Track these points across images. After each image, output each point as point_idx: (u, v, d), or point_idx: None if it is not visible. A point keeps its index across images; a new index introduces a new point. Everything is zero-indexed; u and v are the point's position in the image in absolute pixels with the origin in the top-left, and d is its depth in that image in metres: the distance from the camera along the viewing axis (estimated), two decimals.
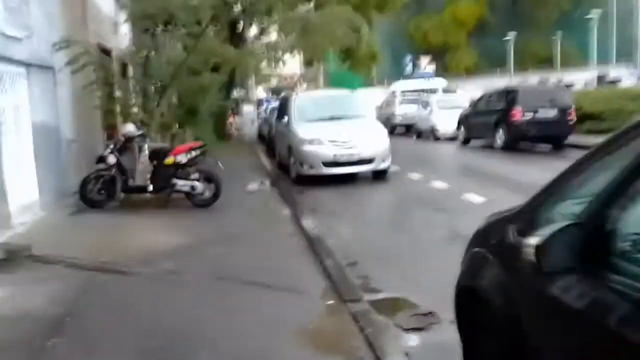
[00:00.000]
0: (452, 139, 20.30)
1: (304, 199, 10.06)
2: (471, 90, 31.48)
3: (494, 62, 43.41)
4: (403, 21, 42.44)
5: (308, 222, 7.61)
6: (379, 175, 11.88)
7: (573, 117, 16.04)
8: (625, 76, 28.65)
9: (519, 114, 15.89)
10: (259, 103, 31.11)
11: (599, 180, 2.22)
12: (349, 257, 6.22)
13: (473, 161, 15.35)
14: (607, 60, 37.33)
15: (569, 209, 2.32)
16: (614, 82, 25.53)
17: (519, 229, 2.56)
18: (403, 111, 26.25)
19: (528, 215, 2.60)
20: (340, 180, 11.37)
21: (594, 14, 35.73)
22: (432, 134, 21.82)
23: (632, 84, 24.98)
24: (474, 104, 19.15)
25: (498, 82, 40.26)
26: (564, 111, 15.94)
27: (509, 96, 16.69)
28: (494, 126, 16.79)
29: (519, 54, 37.46)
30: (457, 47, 45.38)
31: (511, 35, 38.96)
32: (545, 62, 39.05)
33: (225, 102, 19.06)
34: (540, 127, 15.79)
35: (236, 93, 21.16)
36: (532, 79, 32.84)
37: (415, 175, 12.13)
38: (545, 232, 2.04)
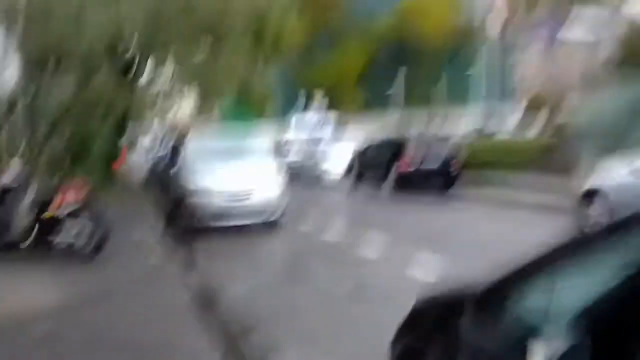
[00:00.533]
0: (342, 184, 20.46)
1: (195, 251, 9.45)
2: (361, 129, 32.27)
3: (379, 107, 44.79)
4: (295, 64, 42.92)
5: (200, 279, 7.10)
6: (272, 226, 11.35)
7: (456, 168, 16.60)
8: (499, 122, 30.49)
9: (406, 165, 16.25)
10: (152, 145, 29.93)
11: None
12: (246, 320, 5.75)
13: (364, 210, 15.35)
14: (485, 109, 39.46)
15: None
16: (491, 133, 27.00)
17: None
18: (294, 155, 26.24)
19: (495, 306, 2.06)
20: (233, 231, 10.83)
21: (477, 66, 37.97)
22: (322, 180, 21.90)
23: (509, 134, 26.54)
24: (364, 151, 19.47)
25: (384, 127, 41.84)
26: (447, 162, 16.48)
27: (399, 146, 17.08)
28: (384, 175, 17.06)
29: (404, 99, 38.83)
30: (346, 92, 46.51)
31: (400, 77, 40.52)
32: (429, 108, 40.91)
33: (116, 144, 18.09)
34: (427, 176, 16.23)
35: (128, 134, 20.08)
36: (417, 125, 34.08)
37: (308, 226, 11.74)
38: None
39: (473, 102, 42.38)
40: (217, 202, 10.84)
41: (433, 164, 16.27)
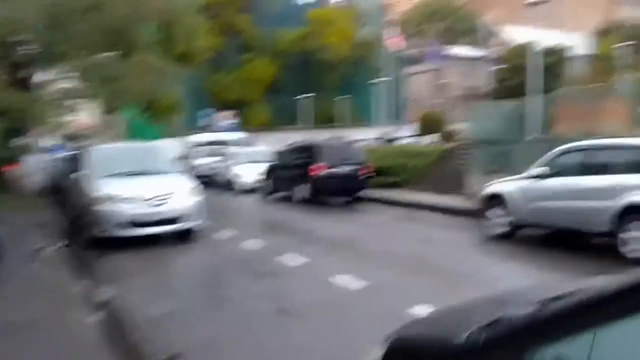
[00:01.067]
0: (253, 190, 19.71)
1: (101, 267, 8.29)
2: (266, 144, 31.55)
3: (286, 119, 44.48)
4: (202, 75, 41.56)
5: (107, 300, 6.09)
6: (185, 235, 10.11)
7: (367, 172, 16.40)
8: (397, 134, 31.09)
9: (319, 169, 15.78)
10: (50, 151, 27.69)
11: None
12: (165, 348, 4.77)
13: (279, 216, 14.79)
14: (384, 121, 39.98)
15: None
16: (392, 140, 27.26)
17: None
18: (203, 163, 25.11)
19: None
20: (143, 242, 9.53)
21: (377, 81, 38.27)
22: (233, 186, 20.98)
23: (411, 142, 26.95)
24: (279, 158, 18.81)
25: (291, 137, 41.42)
26: (359, 167, 16.24)
27: (311, 151, 16.59)
28: (297, 180, 16.51)
29: (309, 112, 38.69)
30: (254, 103, 45.58)
31: (302, 95, 40.21)
32: (333, 121, 40.92)
33: (6, 151, 16.26)
34: (338, 181, 15.87)
35: (21, 141, 18.16)
36: (322, 135, 33.83)
37: (224, 234, 10.88)
38: None
39: (374, 112, 43.00)
40: (126, 209, 9.63)
41: (345, 168, 15.90)
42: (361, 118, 43.95)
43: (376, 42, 48.18)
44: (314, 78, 43.23)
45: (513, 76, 31.57)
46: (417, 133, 29.90)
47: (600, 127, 13.96)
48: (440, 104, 47.44)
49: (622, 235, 8.03)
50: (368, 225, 12.51)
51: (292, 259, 8.23)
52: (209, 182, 22.87)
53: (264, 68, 44.43)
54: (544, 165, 9.48)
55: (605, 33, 56.33)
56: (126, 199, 9.65)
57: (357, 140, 21.26)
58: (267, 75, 44.66)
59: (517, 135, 15.24)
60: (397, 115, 40.02)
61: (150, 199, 9.75)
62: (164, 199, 9.82)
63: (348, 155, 16.57)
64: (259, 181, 19.30)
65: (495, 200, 10.19)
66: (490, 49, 49.44)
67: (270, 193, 18.40)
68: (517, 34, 65.39)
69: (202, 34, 21.62)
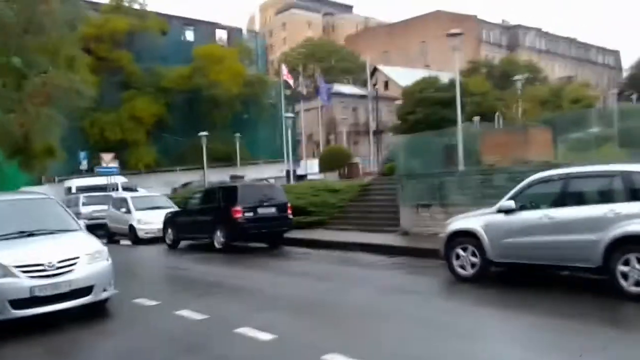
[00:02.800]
0: (154, 240, 17.37)
1: None
2: (152, 187, 29.05)
3: (173, 160, 41.90)
4: (78, 116, 38.01)
5: None
6: (98, 309, 7.74)
7: (290, 213, 14.92)
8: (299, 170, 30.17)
9: (240, 212, 14.02)
10: None
11: None
12: None
13: (200, 270, 12.58)
14: (279, 158, 38.87)
15: None
16: (303, 177, 26.10)
17: None
18: (89, 211, 22.14)
19: None
20: (45, 323, 7.02)
21: (270, 118, 37.26)
22: (130, 236, 18.41)
23: (318, 178, 25.89)
24: (186, 202, 16.74)
25: (181, 179, 38.86)
26: (282, 208, 14.73)
27: (227, 194, 14.81)
28: (211, 226, 14.58)
29: (199, 151, 36.59)
30: (136, 144, 42.41)
31: (191, 134, 38.08)
32: (225, 159, 39.08)
33: None
34: (261, 225, 14.24)
35: None
36: (217, 175, 31.97)
37: (145, 302, 8.36)
38: None
39: (268, 149, 41.76)
40: (22, 282, 7.04)
41: (267, 210, 14.29)
42: (253, 156, 42.48)
43: (265, 80, 47.39)
44: (203, 116, 41.16)
45: (415, 110, 32.09)
46: (320, 169, 28.95)
47: (527, 156, 13.72)
48: (333, 140, 47.44)
49: (620, 269, 7.22)
50: (313, 275, 10.82)
51: (254, 332, 6.40)
52: (104, 233, 19.98)
53: (147, 106, 41.57)
54: (514, 197, 8.59)
55: (471, 71, 60.38)
56: (17, 267, 7.20)
57: (262, 179, 19.74)
58: (151, 113, 41.81)
59: (446, 167, 14.65)
60: (291, 152, 39.07)
61: (53, 266, 7.37)
62: (70, 266, 7.48)
63: (268, 195, 14.98)
64: (160, 229, 17.03)
65: (461, 237, 9.13)
66: (371, 86, 50.46)
67: (175, 242, 16.23)
68: (392, 73, 68.53)
69: (84, 68, 19.08)
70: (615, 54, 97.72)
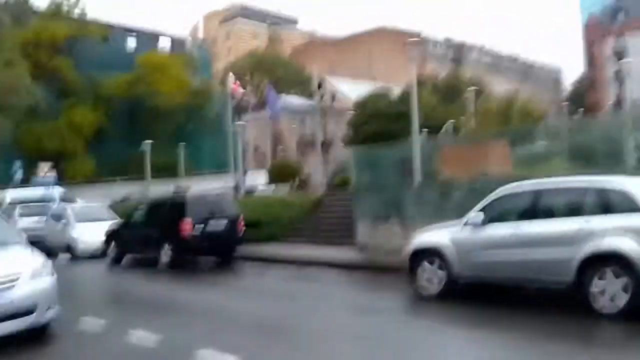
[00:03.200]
0: (96, 255, 16.31)
1: None
2: (91, 199, 27.65)
3: (114, 170, 40.24)
4: (11, 125, 36.18)
5: None
6: (41, 331, 6.90)
7: (242, 226, 14.29)
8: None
9: (189, 227, 13.28)
10: None
11: None
12: None
13: (148, 288, 11.73)
14: (222, 170, 37.90)
15: None
16: (253, 191, 25.39)
17: None
18: (25, 223, 20.70)
19: None
20: None
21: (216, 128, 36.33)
22: (70, 251, 17.24)
23: (268, 191, 25.26)
24: (129, 216, 15.81)
25: (121, 190, 37.28)
26: (233, 221, 14.09)
27: (175, 206, 14.04)
28: (158, 240, 13.76)
29: (141, 162, 35.32)
30: (75, 155, 40.59)
31: (133, 144, 36.69)
32: (168, 170, 37.79)
33: None
34: (212, 239, 13.56)
35: None
36: (161, 187, 30.76)
37: (91, 323, 7.52)
38: None
39: (214, 160, 40.72)
40: None
41: (218, 224, 13.62)
42: (198, 167, 41.35)
43: (210, 90, 46.46)
44: (146, 126, 39.75)
45: (368, 122, 31.96)
46: (269, 181, 28.33)
47: (485, 169, 13.64)
48: (281, 152, 46.91)
49: (593, 288, 7.04)
50: (272, 293, 10.23)
51: (218, 357, 5.79)
52: (41, 249, 18.62)
53: (86, 115, 39.88)
54: (482, 210, 8.34)
55: (417, 85, 61.29)
56: None
57: (221, 192, 18.98)
58: (90, 123, 40.12)
59: (403, 180, 14.39)
60: (238, 164, 38.24)
61: None
62: (10, 284, 6.67)
63: (219, 208, 14.29)
64: (102, 243, 16.01)
65: (427, 252, 8.81)
66: (318, 98, 50.38)
67: (118, 258, 15.27)
68: (340, 85, 68.85)
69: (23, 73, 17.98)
70: (557, 71, 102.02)
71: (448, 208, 12.22)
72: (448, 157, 14.16)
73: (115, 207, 24.69)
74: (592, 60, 70.11)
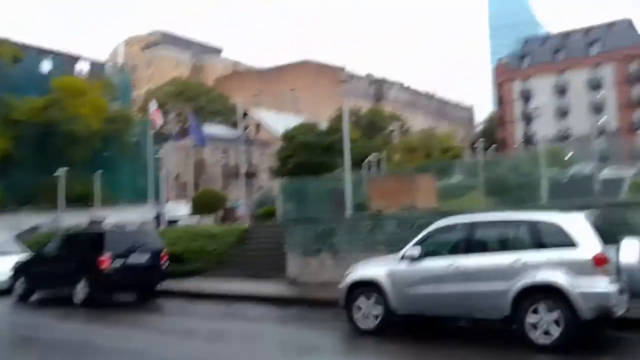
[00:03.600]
0: (1, 292, 14.93)
1: None
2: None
3: (23, 199, 37.70)
4: None
5: None
6: None
7: (166, 260, 13.56)
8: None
9: (108, 260, 12.42)
10: None
11: None
12: None
13: (63, 328, 10.66)
14: (140, 199, 36.52)
15: None
16: (175, 221, 24.40)
17: None
18: None
19: None
20: None
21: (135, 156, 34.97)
22: None
23: (194, 222, 24.35)
24: (40, 248, 14.64)
25: (28, 220, 34.86)
26: (156, 255, 13.34)
27: (92, 239, 13.14)
28: (73, 276, 12.76)
29: (53, 190, 33.41)
30: None
31: (46, 171, 34.63)
32: (84, 199, 35.86)
33: None
34: (133, 274, 12.75)
35: None
36: (73, 217, 29.08)
37: None
38: None
39: (133, 189, 39.06)
40: None
41: (140, 257, 12.85)
42: (115, 196, 39.53)
43: (129, 116, 44.98)
44: (59, 152, 37.68)
45: (295, 154, 31.86)
46: (193, 212, 27.38)
47: (413, 202, 13.81)
48: (204, 181, 45.89)
49: (528, 320, 7.11)
50: (201, 333, 9.57)
51: None
52: None
53: None
54: (419, 244, 8.29)
55: (339, 120, 62.45)
56: None
57: (143, 223, 18.08)
58: None
59: (334, 212, 14.29)
60: (160, 193, 36.96)
61: None
62: None
63: (141, 240, 13.49)
64: (9, 279, 14.69)
65: (363, 287, 8.63)
66: (242, 129, 50.03)
67: (27, 295, 14.03)
68: (264, 116, 68.89)
69: None
70: (469, 109, 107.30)
71: (379, 241, 12.22)
72: (377, 190, 14.24)
73: (23, 238, 23.05)
74: (501, 100, 74.24)
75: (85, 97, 39.60)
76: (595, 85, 66.93)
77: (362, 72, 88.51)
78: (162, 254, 13.48)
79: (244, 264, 15.34)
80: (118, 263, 12.48)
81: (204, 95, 74.37)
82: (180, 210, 28.81)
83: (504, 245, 7.76)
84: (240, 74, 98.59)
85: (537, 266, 7.20)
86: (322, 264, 13.20)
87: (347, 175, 14.39)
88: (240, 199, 35.79)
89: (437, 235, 8.33)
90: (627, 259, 6.84)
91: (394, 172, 15.79)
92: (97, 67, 52.55)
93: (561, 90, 67.59)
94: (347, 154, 14.52)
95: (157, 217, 22.70)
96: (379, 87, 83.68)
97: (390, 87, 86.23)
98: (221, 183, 54.45)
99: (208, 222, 23.91)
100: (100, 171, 34.16)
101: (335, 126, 39.71)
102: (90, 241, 13.17)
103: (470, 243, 7.93)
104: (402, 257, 8.36)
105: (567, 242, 7.13)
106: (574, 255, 6.99)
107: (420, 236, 8.42)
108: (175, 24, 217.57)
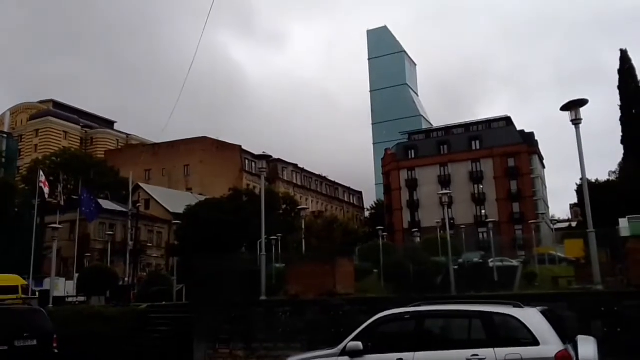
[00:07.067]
0: None
1: None
2: None
3: None
4: None
5: None
6: None
7: (56, 347, 11.66)
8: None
9: None
10: None
11: None
12: None
13: None
14: (16, 273, 32.51)
15: None
16: (64, 300, 21.66)
17: None
18: None
19: None
20: None
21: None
22: None
23: (79, 301, 21.73)
24: None
25: None
26: (46, 339, 11.44)
27: None
28: None
29: None
30: None
31: None
32: None
33: None
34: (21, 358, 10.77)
35: None
36: None
37: None
38: None
39: (8, 265, 34.88)
40: None
41: (28, 342, 10.93)
42: None
43: (12, 186, 41.15)
44: None
45: (194, 233, 30.23)
46: (79, 290, 24.59)
47: (332, 287, 13.17)
48: (89, 258, 42.25)
49: None
50: None
51: None
52: None
53: None
54: (361, 337, 7.46)
55: (232, 198, 61.21)
56: None
57: (30, 302, 15.71)
58: None
59: (247, 297, 13.19)
60: (37, 269, 33.21)
61: None
62: None
63: (28, 324, 11.54)
64: None
65: None
66: (131, 204, 47.30)
67: None
68: (154, 192, 66.04)
69: None
70: (359, 194, 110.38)
71: (300, 330, 11.34)
72: (294, 273, 13.45)
73: None
74: (388, 187, 77.20)
75: None
76: (476, 179, 71.26)
77: (257, 151, 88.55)
78: (53, 338, 11.59)
79: (143, 353, 13.62)
80: (1, 349, 10.51)
81: (92, 167, 70.25)
82: (65, 288, 25.87)
83: (456, 340, 7.06)
84: (133, 147, 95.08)
85: None
86: (233, 354, 12.01)
87: (263, 256, 13.51)
88: (127, 278, 33.05)
89: (381, 327, 7.48)
90: (587, 356, 6.51)
91: (308, 257, 15.17)
92: None
93: (444, 182, 71.12)
94: (263, 234, 13.75)
95: (43, 295, 20.05)
96: (273, 167, 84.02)
97: (285, 168, 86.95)
98: (106, 259, 50.41)
99: (97, 302, 21.49)
100: None
101: (236, 203, 38.70)
102: None
103: (420, 337, 7.13)
104: (342, 353, 7.49)
105: (527, 338, 6.53)
106: (536, 354, 6.38)
107: (362, 328, 7.62)
108: (67, 94, 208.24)
